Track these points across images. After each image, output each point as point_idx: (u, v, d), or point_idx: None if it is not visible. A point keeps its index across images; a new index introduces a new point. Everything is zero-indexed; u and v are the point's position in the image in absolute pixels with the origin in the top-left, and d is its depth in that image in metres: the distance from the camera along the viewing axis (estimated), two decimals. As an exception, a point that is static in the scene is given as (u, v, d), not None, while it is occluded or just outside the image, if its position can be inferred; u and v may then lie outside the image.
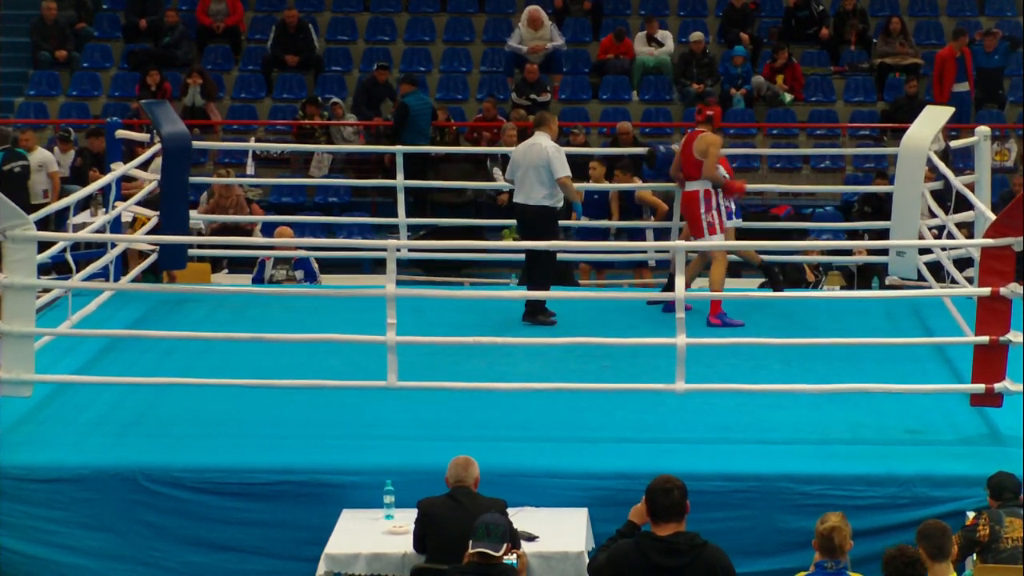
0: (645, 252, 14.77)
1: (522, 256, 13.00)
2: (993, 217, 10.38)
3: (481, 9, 23.39)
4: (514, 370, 10.93)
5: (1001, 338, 9.67)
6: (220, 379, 10.29)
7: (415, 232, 17.26)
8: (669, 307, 11.59)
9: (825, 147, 20.82)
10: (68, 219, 12.24)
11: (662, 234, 14.19)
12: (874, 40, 22.27)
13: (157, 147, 13.26)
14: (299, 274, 14.85)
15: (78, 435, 9.84)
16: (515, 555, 7.72)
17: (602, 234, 15.33)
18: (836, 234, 17.26)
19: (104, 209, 13.24)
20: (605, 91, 21.98)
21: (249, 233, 16.74)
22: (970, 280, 12.06)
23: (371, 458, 9.41)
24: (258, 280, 14.85)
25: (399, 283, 10.43)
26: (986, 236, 9.95)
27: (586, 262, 15.92)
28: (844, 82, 22.03)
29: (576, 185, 12.88)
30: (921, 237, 12.98)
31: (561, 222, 13.72)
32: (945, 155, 13.35)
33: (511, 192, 12.80)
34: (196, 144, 14.49)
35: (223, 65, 22.42)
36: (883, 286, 14.34)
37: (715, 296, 12.30)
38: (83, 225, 13.55)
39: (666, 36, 22.17)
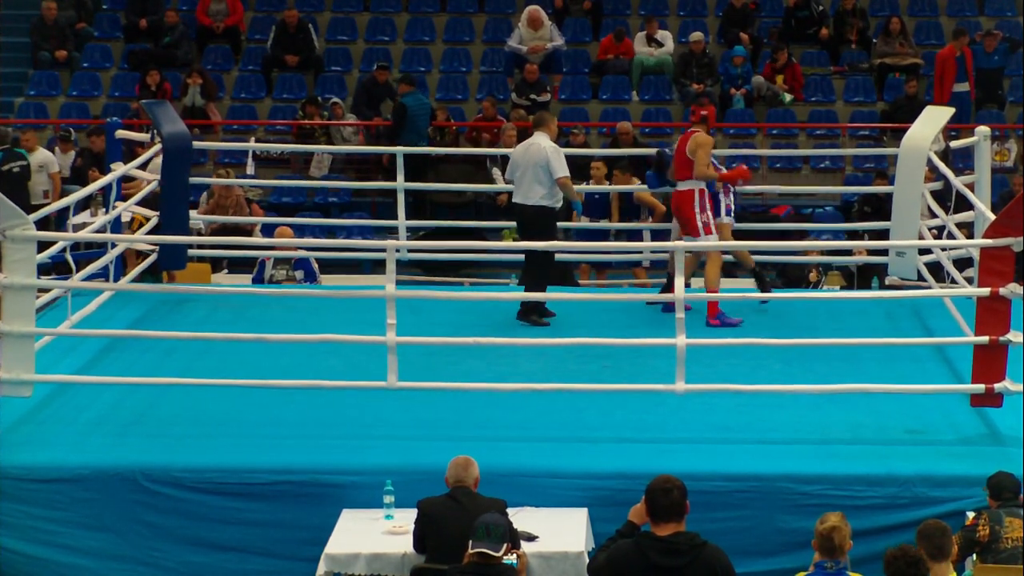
0: (642, 253, 14.78)
1: (522, 256, 12.99)
2: (993, 217, 10.38)
3: (481, 9, 23.39)
4: (514, 370, 10.93)
5: (1001, 338, 9.67)
6: (220, 379, 10.29)
7: (415, 233, 17.27)
8: (668, 307, 11.60)
9: (825, 147, 20.81)
10: (68, 219, 12.24)
11: (659, 235, 14.19)
12: (874, 40, 22.27)
13: (156, 147, 13.26)
14: (299, 274, 14.86)
15: (78, 435, 9.84)
16: (515, 555, 7.72)
17: (602, 235, 15.34)
18: (836, 234, 17.26)
19: (104, 209, 13.24)
20: (605, 91, 21.98)
21: (249, 233, 16.74)
22: (970, 280, 12.06)
23: (371, 458, 9.41)
24: (258, 280, 14.86)
25: (399, 283, 10.44)
26: (986, 236, 9.95)
27: (586, 262, 15.93)
28: (844, 82, 22.03)
29: (577, 186, 12.87)
30: (921, 237, 12.98)
31: (562, 223, 13.73)
32: (945, 155, 13.35)
33: (511, 192, 12.80)
34: (196, 144, 14.48)
35: (223, 65, 22.42)
36: (883, 286, 14.34)
37: (712, 297, 12.29)
38: (83, 225, 13.56)
39: (666, 36, 22.17)
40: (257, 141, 20.34)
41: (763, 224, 15.65)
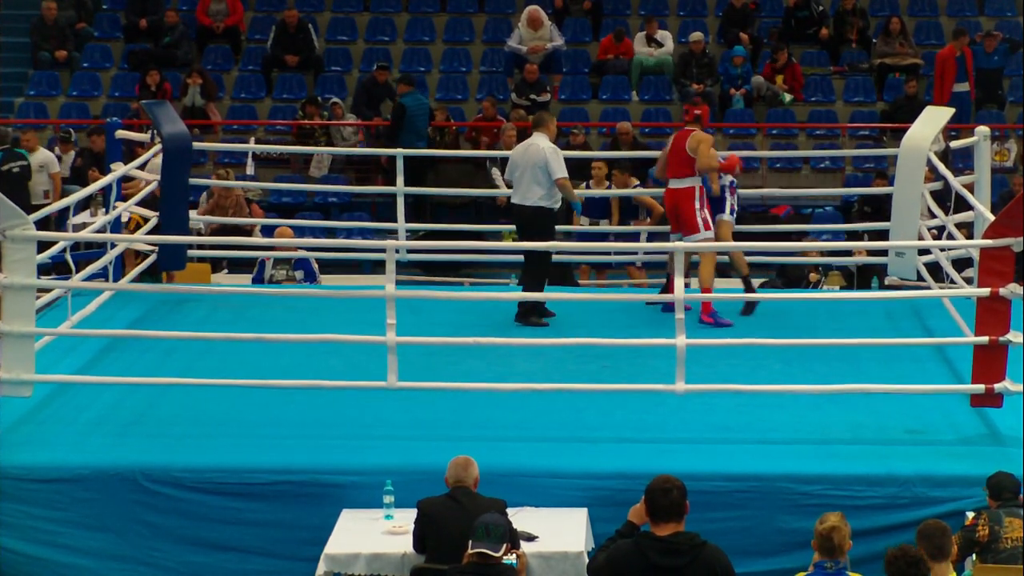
0: (637, 253, 14.79)
1: (521, 257, 12.99)
2: (992, 217, 10.38)
3: (481, 9, 23.40)
4: (513, 370, 10.93)
5: (1001, 338, 9.67)
6: (220, 379, 10.29)
7: (414, 233, 17.27)
8: (668, 307, 11.60)
9: (825, 147, 20.82)
10: (68, 219, 12.24)
11: (658, 235, 14.18)
12: (874, 40, 22.27)
13: (156, 147, 13.26)
14: (299, 274, 14.86)
15: (78, 435, 9.84)
16: (515, 555, 7.73)
17: (602, 237, 15.34)
18: (836, 234, 17.26)
19: (104, 209, 13.24)
20: (605, 91, 21.98)
21: (249, 234, 16.74)
22: (969, 280, 12.07)
23: (371, 458, 9.41)
24: (258, 280, 14.86)
25: (399, 284, 10.44)
26: (985, 236, 9.95)
27: (586, 263, 15.93)
28: (844, 82, 22.03)
29: (576, 187, 12.87)
30: (921, 238, 12.98)
31: (563, 226, 13.73)
32: (945, 156, 13.35)
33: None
34: (196, 144, 14.48)
35: (223, 65, 22.42)
36: (883, 286, 14.34)
37: (708, 297, 12.28)
38: (83, 225, 13.56)
39: (666, 36, 22.17)
40: (257, 141, 20.36)
41: (763, 224, 15.63)
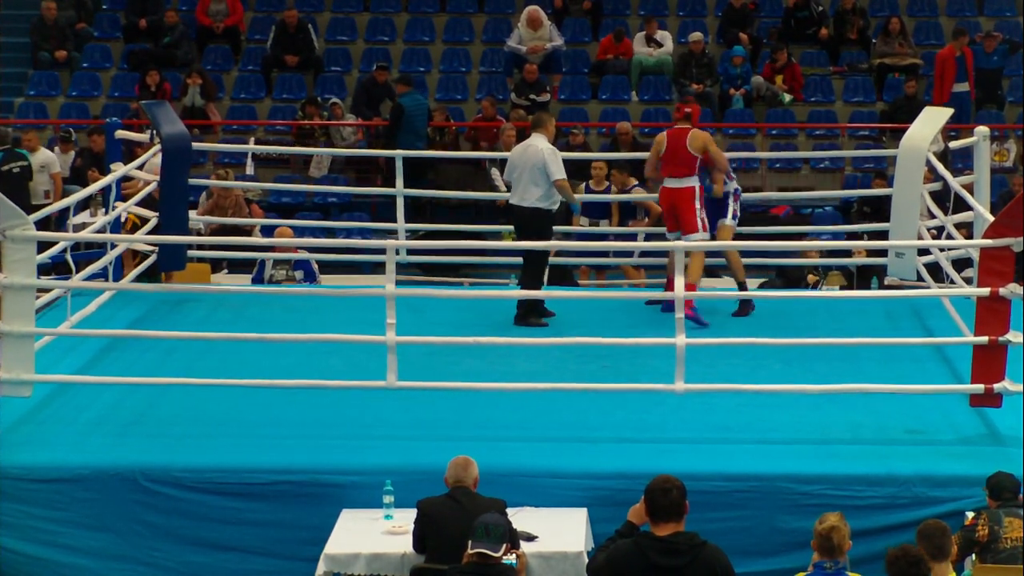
0: (633, 254, 14.80)
1: (521, 258, 13.00)
2: (992, 218, 10.39)
3: (480, 9, 23.40)
4: (514, 370, 10.93)
5: (1000, 338, 9.68)
6: (220, 379, 10.30)
7: (414, 233, 17.27)
8: (668, 307, 11.60)
9: (824, 148, 20.80)
10: (68, 219, 12.24)
11: (654, 235, 14.18)
12: (873, 40, 22.27)
13: (154, 148, 13.26)
14: (299, 274, 14.86)
15: (78, 435, 9.85)
16: (514, 555, 7.73)
17: (602, 237, 15.33)
18: (835, 235, 17.26)
19: (104, 209, 13.24)
20: (604, 91, 21.98)
21: (249, 234, 16.74)
22: (969, 280, 12.07)
23: (371, 458, 9.41)
24: (258, 280, 14.86)
25: (398, 284, 10.44)
26: (985, 236, 9.96)
27: (586, 264, 15.92)
28: (843, 82, 22.03)
29: (576, 195, 12.89)
30: (920, 238, 12.99)
31: (563, 227, 13.73)
32: (944, 156, 13.36)
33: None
34: (196, 145, 14.48)
35: (223, 65, 22.42)
36: (883, 286, 14.34)
37: (694, 295, 12.27)
38: (83, 225, 13.56)
39: (665, 36, 22.17)
40: (257, 141, 20.35)
41: (763, 225, 15.62)
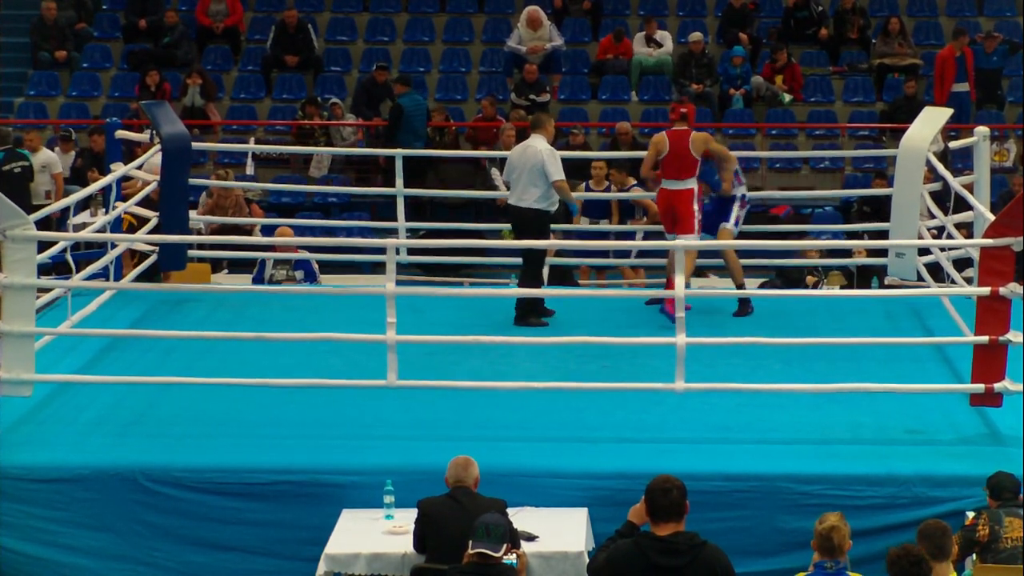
0: (631, 253, 14.81)
1: (520, 258, 13.01)
2: (992, 217, 10.39)
3: (480, 9, 23.40)
4: (514, 370, 10.93)
5: (1000, 338, 9.68)
6: (220, 379, 10.29)
7: (414, 232, 17.27)
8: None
9: (824, 148, 20.82)
10: (68, 219, 12.24)
11: (653, 235, 14.19)
12: (873, 41, 22.27)
13: (153, 148, 13.26)
14: (299, 274, 14.85)
15: (78, 435, 9.84)
16: (515, 555, 7.73)
17: (602, 237, 15.33)
18: (835, 235, 17.26)
19: (104, 209, 13.24)
20: (604, 91, 21.98)
21: (249, 233, 16.74)
22: (969, 280, 12.07)
23: (371, 458, 9.41)
24: (258, 280, 14.85)
25: (399, 284, 10.44)
26: (985, 236, 9.96)
27: (586, 264, 15.92)
28: (843, 82, 22.03)
29: (576, 193, 12.88)
30: (920, 238, 12.99)
31: (563, 226, 13.73)
32: (944, 156, 13.36)
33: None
34: (196, 145, 14.48)
35: (223, 65, 22.42)
36: (883, 286, 14.34)
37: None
38: (83, 225, 13.56)
39: (665, 36, 22.17)
40: (257, 141, 20.35)
41: (763, 224, 15.62)
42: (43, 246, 10.51)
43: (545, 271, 13.40)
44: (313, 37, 22.22)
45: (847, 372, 10.58)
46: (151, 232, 13.22)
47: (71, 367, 10.88)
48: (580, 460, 9.43)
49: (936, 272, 12.95)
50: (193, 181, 14.36)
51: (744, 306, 12.84)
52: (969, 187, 12.65)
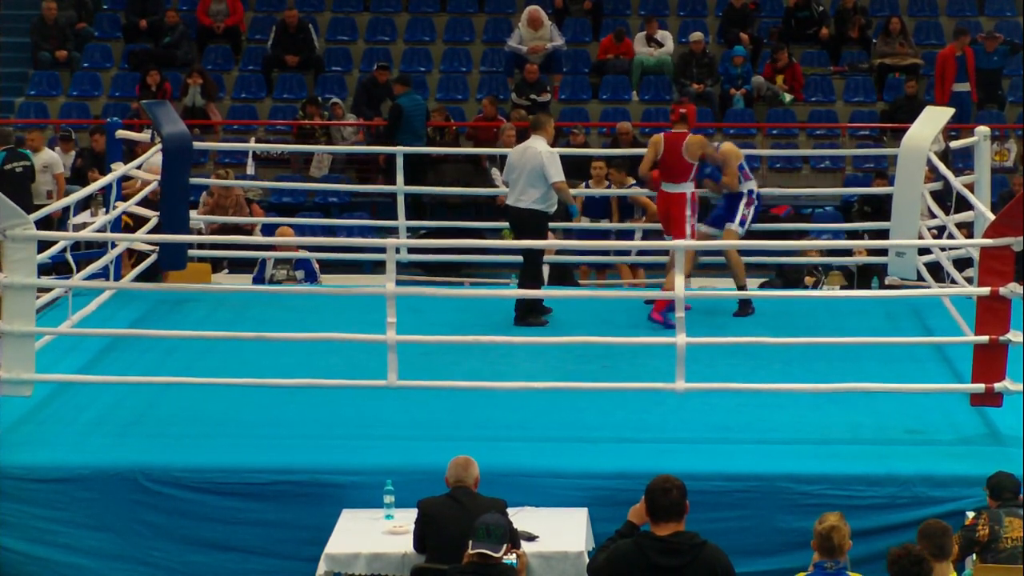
0: (630, 253, 14.81)
1: (520, 258, 13.01)
2: (992, 217, 10.38)
3: (481, 9, 23.39)
4: (514, 370, 10.93)
5: (1001, 338, 9.67)
6: (220, 379, 10.29)
7: (415, 232, 17.27)
8: (671, 306, 11.59)
9: (825, 147, 20.83)
10: (68, 219, 12.24)
11: (651, 234, 14.19)
12: (874, 40, 22.27)
13: (153, 148, 13.26)
14: (299, 274, 14.85)
15: (78, 435, 9.84)
16: (515, 555, 7.72)
17: (602, 236, 15.33)
18: (836, 234, 17.26)
19: (104, 209, 13.24)
20: (605, 91, 21.98)
21: (249, 233, 16.74)
22: (970, 280, 12.07)
23: (371, 458, 9.41)
24: (259, 280, 14.85)
25: (399, 283, 10.44)
26: (985, 236, 9.96)
27: (586, 263, 15.93)
28: (844, 82, 22.03)
29: (574, 189, 12.88)
30: (921, 238, 12.98)
31: (563, 224, 13.73)
32: (945, 155, 13.35)
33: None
34: (196, 144, 14.48)
35: (223, 65, 22.42)
36: (883, 286, 14.34)
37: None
38: (83, 225, 13.56)
39: (666, 36, 22.17)
40: (257, 141, 20.35)
41: (763, 224, 15.63)
42: (43, 246, 10.51)
43: (545, 270, 13.40)
44: (314, 37, 22.22)
45: (847, 372, 10.58)
46: (151, 232, 13.22)
47: (71, 367, 10.88)
48: (580, 460, 9.43)
49: (936, 271, 12.95)
50: (194, 181, 14.37)
51: (745, 307, 12.84)
52: (969, 187, 12.64)
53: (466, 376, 10.57)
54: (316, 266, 15.02)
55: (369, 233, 17.73)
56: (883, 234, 13.87)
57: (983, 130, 13.37)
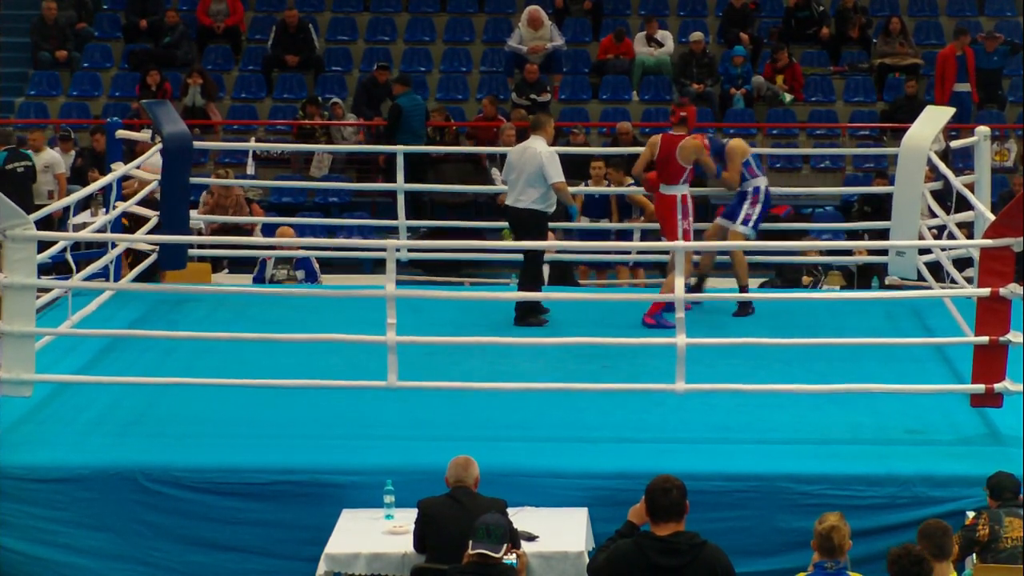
0: (630, 253, 14.81)
1: (521, 257, 13.01)
2: (993, 217, 10.38)
3: (481, 9, 23.40)
4: (514, 370, 10.93)
5: (1001, 338, 9.67)
6: (220, 379, 10.29)
7: (415, 232, 17.27)
8: (668, 307, 11.59)
9: (825, 147, 20.82)
10: (68, 219, 12.24)
11: (650, 234, 14.18)
12: (874, 40, 22.27)
13: (153, 148, 13.26)
14: (300, 274, 14.85)
15: (78, 435, 9.84)
16: (515, 555, 7.73)
17: (602, 235, 15.34)
18: (836, 234, 17.26)
19: (104, 209, 13.24)
20: (605, 91, 21.98)
21: (249, 233, 16.74)
22: (970, 280, 12.07)
23: (371, 458, 9.41)
24: (259, 280, 14.86)
25: (399, 284, 10.44)
26: (986, 236, 9.96)
27: (586, 263, 15.93)
28: (844, 82, 22.03)
29: (573, 189, 12.88)
30: (921, 237, 12.98)
31: (563, 224, 13.74)
32: (945, 155, 13.35)
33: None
34: (196, 144, 14.48)
35: (223, 65, 22.42)
36: (883, 286, 14.33)
37: (663, 297, 12.27)
38: (83, 225, 13.56)
39: (666, 36, 22.18)
40: (257, 141, 20.35)
41: (763, 224, 15.62)
42: (43, 246, 10.51)
43: (545, 270, 13.40)
44: (314, 37, 22.23)
45: (847, 372, 10.58)
46: (151, 232, 13.22)
47: (71, 367, 10.88)
48: (580, 460, 9.42)
49: (937, 271, 12.94)
50: (194, 180, 14.37)
51: (745, 307, 12.84)
52: (969, 187, 12.64)
53: (466, 376, 10.57)
54: (316, 266, 15.02)
55: (369, 233, 17.73)
56: (883, 234, 13.87)
57: (983, 130, 13.36)
